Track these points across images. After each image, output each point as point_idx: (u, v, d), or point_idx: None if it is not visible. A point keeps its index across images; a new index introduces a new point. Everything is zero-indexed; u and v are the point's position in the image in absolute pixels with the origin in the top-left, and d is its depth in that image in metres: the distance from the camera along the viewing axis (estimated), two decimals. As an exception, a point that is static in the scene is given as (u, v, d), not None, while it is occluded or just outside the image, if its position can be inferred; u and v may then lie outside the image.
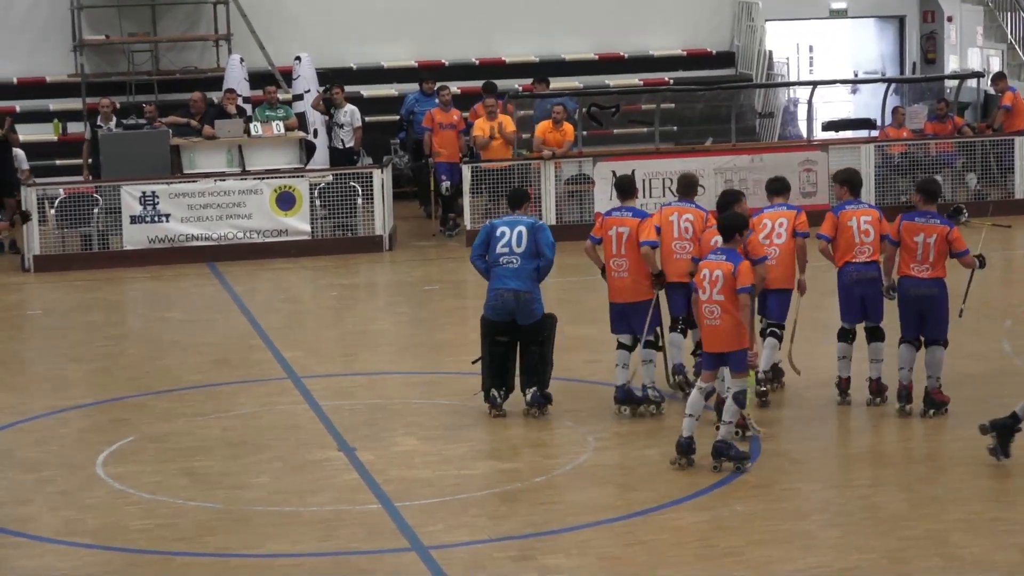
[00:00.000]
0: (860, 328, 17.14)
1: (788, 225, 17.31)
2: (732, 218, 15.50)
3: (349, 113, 29.69)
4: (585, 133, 29.64)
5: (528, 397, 17.18)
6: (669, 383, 17.49)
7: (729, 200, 16.49)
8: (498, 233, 17.30)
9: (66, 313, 20.10)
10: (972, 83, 32.24)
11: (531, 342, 17.25)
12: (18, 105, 32.43)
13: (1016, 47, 34.09)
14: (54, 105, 32.63)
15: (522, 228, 17.27)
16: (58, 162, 30.80)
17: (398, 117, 31.48)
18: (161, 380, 19.18)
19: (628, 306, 17.05)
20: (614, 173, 24.90)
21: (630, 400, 17.01)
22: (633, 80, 34.83)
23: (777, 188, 17.84)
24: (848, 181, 17.90)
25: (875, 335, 17.23)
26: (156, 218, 26.54)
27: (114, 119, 29.17)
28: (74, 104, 32.45)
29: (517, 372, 17.18)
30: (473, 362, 17.55)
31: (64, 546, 13.62)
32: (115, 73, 33.73)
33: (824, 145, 29.13)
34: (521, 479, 15.07)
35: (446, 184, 28.34)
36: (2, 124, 28.28)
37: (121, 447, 16.42)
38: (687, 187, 17.84)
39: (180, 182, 27.35)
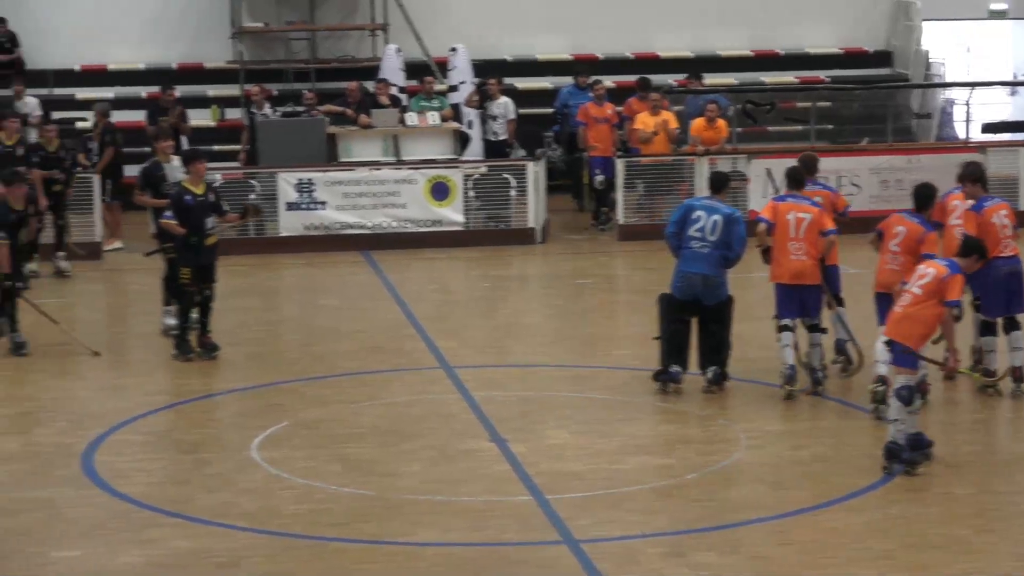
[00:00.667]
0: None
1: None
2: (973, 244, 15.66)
3: (503, 105, 29.86)
4: (739, 130, 29.55)
5: (709, 375, 17.69)
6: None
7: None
8: (694, 216, 17.68)
9: (224, 298, 20.23)
10: None
11: (712, 321, 17.71)
12: (178, 90, 32.80)
13: None
14: (213, 91, 33.15)
15: (718, 218, 17.58)
16: (216, 147, 30.96)
17: (552, 110, 31.53)
18: (315, 366, 19.36)
19: (804, 288, 17.38)
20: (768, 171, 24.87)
21: (796, 380, 17.38)
22: (788, 78, 34.62)
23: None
24: (981, 178, 17.94)
25: (1014, 325, 17.39)
26: (312, 205, 26.78)
27: (267, 106, 29.46)
28: (232, 90, 33.01)
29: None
30: (654, 338, 17.85)
31: (220, 528, 13.73)
32: (273, 61, 34.12)
33: (982, 147, 28.79)
34: (673, 475, 15.03)
35: (600, 178, 28.41)
36: (172, 111, 28.62)
37: (275, 432, 16.57)
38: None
39: (336, 170, 27.58)
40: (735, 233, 17.51)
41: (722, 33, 35.23)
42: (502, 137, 29.96)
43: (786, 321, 17.38)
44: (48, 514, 14.24)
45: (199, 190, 19.20)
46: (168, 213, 19.12)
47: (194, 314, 19.38)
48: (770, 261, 17.50)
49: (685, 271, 17.55)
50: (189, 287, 19.15)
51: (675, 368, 17.57)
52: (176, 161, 20.63)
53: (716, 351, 17.67)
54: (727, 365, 17.76)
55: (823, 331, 17.56)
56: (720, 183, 18.35)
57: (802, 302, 17.47)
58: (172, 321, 20.06)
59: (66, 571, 12.86)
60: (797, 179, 17.97)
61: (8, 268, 19.46)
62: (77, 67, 33.90)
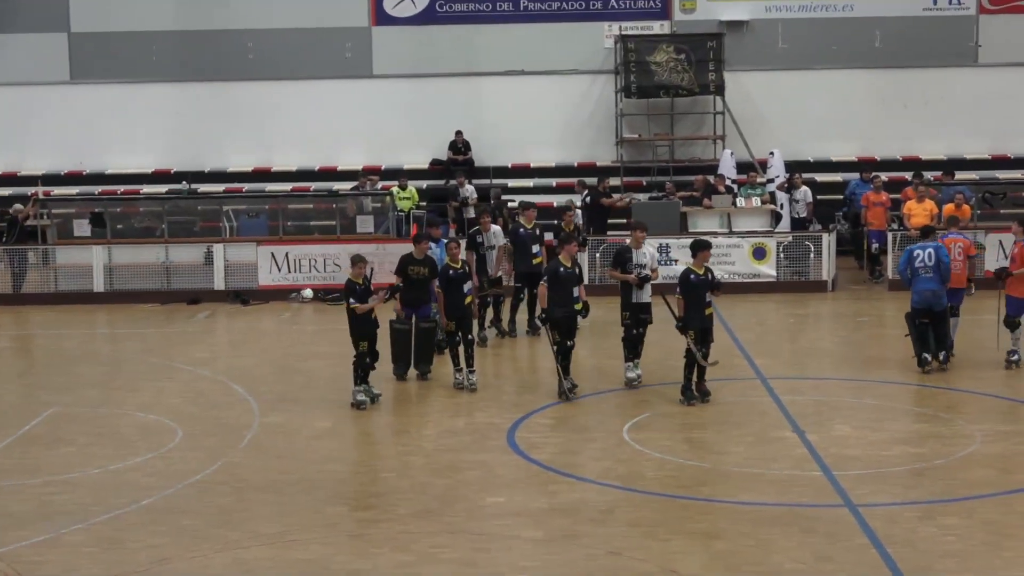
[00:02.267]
0: None
1: None
2: None
3: (804, 192, 29.67)
4: (979, 212, 28.66)
5: (941, 357, 19.01)
6: None
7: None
8: (915, 255, 19.09)
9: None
10: None
11: (940, 322, 19.00)
12: (575, 180, 33.19)
13: None
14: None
15: (931, 250, 19.02)
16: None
17: (842, 196, 31.07)
18: (671, 375, 18.58)
19: None
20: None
21: None
22: (1017, 174, 33.46)
23: None
24: None
25: None
26: (668, 262, 26.80)
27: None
28: (615, 182, 32.72)
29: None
30: (905, 335, 19.43)
31: (600, 486, 13.88)
32: (644, 161, 34.27)
33: None
34: (925, 460, 14.68)
35: (876, 246, 27.86)
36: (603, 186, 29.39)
37: (641, 420, 16.65)
38: None
39: (686, 237, 27.52)
40: (943, 255, 19.09)
41: (968, 141, 34.27)
42: (803, 215, 29.66)
43: None
44: (483, 472, 14.55)
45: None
46: None
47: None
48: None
49: (920, 289, 19.05)
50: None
51: (924, 356, 18.95)
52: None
53: (942, 342, 19.15)
54: (952, 349, 19.37)
55: None
56: (927, 232, 19.72)
57: None
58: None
59: (495, 511, 13.10)
60: None
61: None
62: (509, 164, 34.58)
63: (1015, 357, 19.17)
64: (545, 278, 17.81)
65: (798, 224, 29.52)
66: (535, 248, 22.00)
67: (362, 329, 17.50)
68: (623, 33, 33.91)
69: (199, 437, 16.17)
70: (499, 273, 22.30)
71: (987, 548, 11.83)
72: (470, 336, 18.64)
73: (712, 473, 14.35)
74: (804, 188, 29.99)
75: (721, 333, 21.84)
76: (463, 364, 18.50)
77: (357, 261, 17.91)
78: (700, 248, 17.66)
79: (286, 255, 28.15)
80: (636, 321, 18.22)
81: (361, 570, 11.53)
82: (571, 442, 15.74)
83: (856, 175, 30.88)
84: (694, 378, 17.36)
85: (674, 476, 14.18)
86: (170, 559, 11.86)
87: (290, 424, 16.83)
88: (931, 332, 19.09)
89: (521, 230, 22.12)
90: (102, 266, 28.37)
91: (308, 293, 27.80)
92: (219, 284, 28.10)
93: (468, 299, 18.79)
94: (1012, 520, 12.59)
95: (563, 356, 17.74)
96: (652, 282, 18.35)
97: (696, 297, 17.25)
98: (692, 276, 17.29)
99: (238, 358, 22.08)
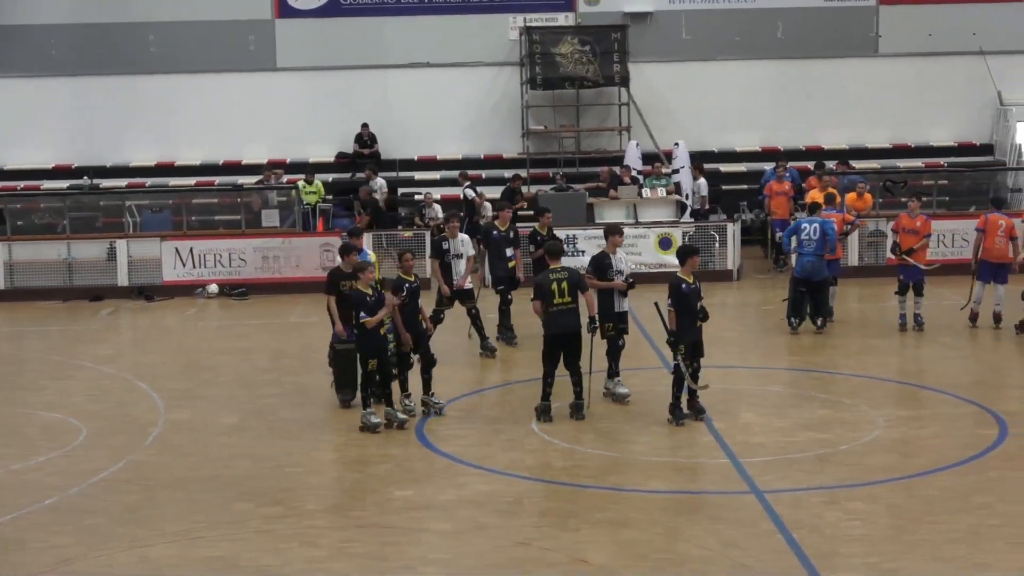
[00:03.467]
0: None
1: None
2: None
3: (698, 185, 29.90)
4: (880, 200, 29.06)
5: (819, 322, 21.24)
6: None
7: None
8: (802, 228, 21.36)
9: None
10: None
11: (818, 290, 21.21)
12: (483, 172, 33.29)
13: None
14: (507, 173, 33.30)
15: (817, 225, 21.09)
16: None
17: (746, 187, 31.36)
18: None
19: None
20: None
21: None
22: (917, 163, 33.98)
23: None
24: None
25: None
26: (574, 253, 26.88)
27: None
28: (522, 173, 32.77)
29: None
30: (782, 300, 21.55)
31: (509, 477, 13.91)
32: (549, 152, 34.33)
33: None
34: (830, 446, 14.84)
35: (780, 234, 28.09)
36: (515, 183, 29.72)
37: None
38: None
39: (591, 228, 27.66)
40: (829, 229, 21.24)
41: (869, 132, 34.71)
42: (696, 207, 29.85)
43: None
44: (392, 465, 14.52)
45: None
46: None
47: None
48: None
49: (802, 261, 21.24)
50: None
51: (793, 321, 21.20)
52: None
53: (819, 310, 21.28)
54: (830, 314, 21.62)
55: None
56: (813, 209, 21.93)
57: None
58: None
59: (404, 505, 13.08)
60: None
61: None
62: (415, 157, 34.48)
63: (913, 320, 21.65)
64: (533, 293, 16.07)
65: (701, 215, 29.72)
66: (509, 251, 20.58)
67: (373, 345, 15.60)
68: (528, 25, 33.98)
69: (104, 435, 15.98)
70: (467, 284, 20.04)
71: (891, 532, 12.01)
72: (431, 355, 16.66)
73: (620, 462, 14.40)
74: (701, 180, 30.21)
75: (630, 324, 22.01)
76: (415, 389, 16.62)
77: (362, 268, 15.77)
78: (688, 254, 16.28)
79: (191, 250, 27.91)
80: (618, 332, 16.90)
81: (270, 566, 11.45)
82: (480, 434, 15.72)
83: (761, 165, 31.18)
84: (683, 396, 15.89)
85: (582, 466, 14.22)
86: (74, 559, 11.70)
87: (196, 421, 16.69)
88: (809, 299, 21.35)
89: (495, 232, 20.70)
90: (2, 263, 27.98)
91: (213, 288, 27.57)
92: (122, 280, 27.79)
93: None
94: (914, 504, 12.78)
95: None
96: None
97: (688, 307, 15.75)
98: (684, 286, 15.82)
99: (143, 355, 21.85)
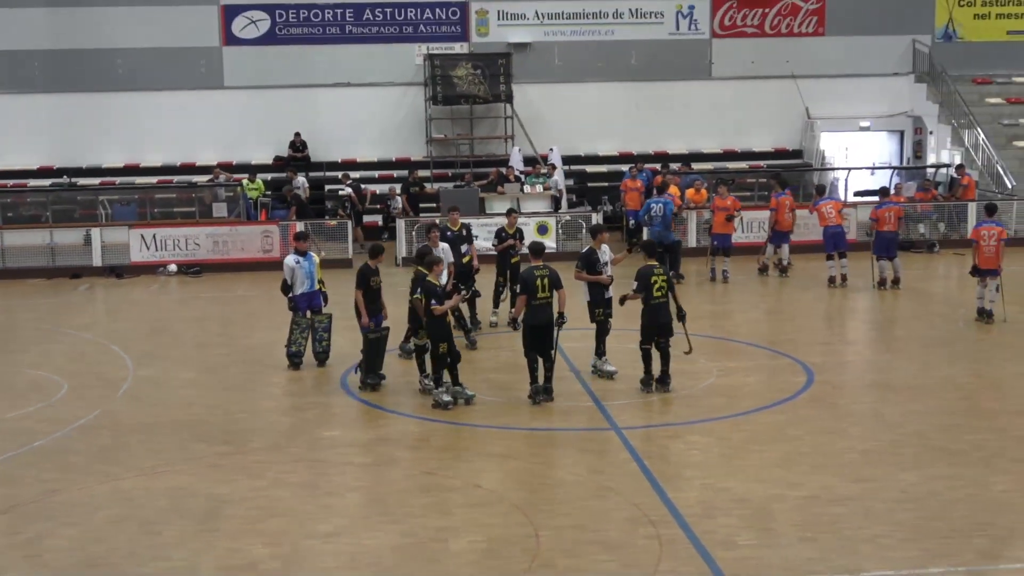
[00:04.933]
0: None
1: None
2: None
3: (553, 182, 29.78)
4: (713, 195, 29.31)
5: (672, 274, 21.13)
6: None
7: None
8: (652, 206, 22.78)
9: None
10: (944, 170, 31.38)
11: (671, 251, 22.50)
12: (395, 173, 33.04)
13: (970, 150, 33.01)
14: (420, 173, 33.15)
15: (662, 204, 22.53)
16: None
17: (607, 184, 31.43)
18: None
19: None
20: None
21: None
22: (743, 164, 34.36)
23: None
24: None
25: None
26: (471, 239, 26.70)
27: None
28: (425, 173, 32.83)
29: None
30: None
31: (418, 419, 13.88)
32: (449, 156, 34.21)
33: (854, 205, 28.57)
34: (675, 391, 14.86)
35: (633, 222, 28.27)
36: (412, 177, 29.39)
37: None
38: None
39: (484, 217, 27.60)
40: (668, 211, 22.62)
41: (705, 139, 35.05)
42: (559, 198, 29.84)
43: None
44: (322, 411, 14.42)
45: None
46: None
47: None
48: None
49: (655, 234, 22.47)
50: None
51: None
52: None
53: (674, 264, 22.67)
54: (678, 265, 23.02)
55: None
56: (664, 186, 23.53)
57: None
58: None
59: (331, 443, 12.99)
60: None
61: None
62: (339, 159, 34.20)
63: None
64: (520, 288, 14.81)
65: (571, 206, 29.79)
66: (464, 248, 18.73)
67: (443, 330, 14.26)
68: (430, 52, 33.80)
69: (82, 389, 15.67)
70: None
71: (722, 459, 12.16)
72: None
73: (504, 406, 14.37)
74: (555, 178, 30.29)
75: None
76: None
77: (436, 262, 14.56)
78: (597, 231, 15.68)
79: (154, 236, 27.45)
80: (606, 317, 15.84)
81: (222, 493, 11.32)
82: (393, 384, 15.60)
83: (619, 167, 31.31)
84: (654, 370, 14.97)
85: (477, 410, 14.21)
86: (59, 491, 11.48)
87: (159, 377, 16.42)
88: (666, 258, 22.07)
89: (449, 233, 18.66)
90: (-5, 248, 27.33)
91: (172, 268, 27.17)
92: (97, 261, 27.25)
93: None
94: (740, 436, 12.98)
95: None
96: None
97: (594, 272, 15.26)
98: (593, 255, 15.34)
99: (115, 323, 21.44)
